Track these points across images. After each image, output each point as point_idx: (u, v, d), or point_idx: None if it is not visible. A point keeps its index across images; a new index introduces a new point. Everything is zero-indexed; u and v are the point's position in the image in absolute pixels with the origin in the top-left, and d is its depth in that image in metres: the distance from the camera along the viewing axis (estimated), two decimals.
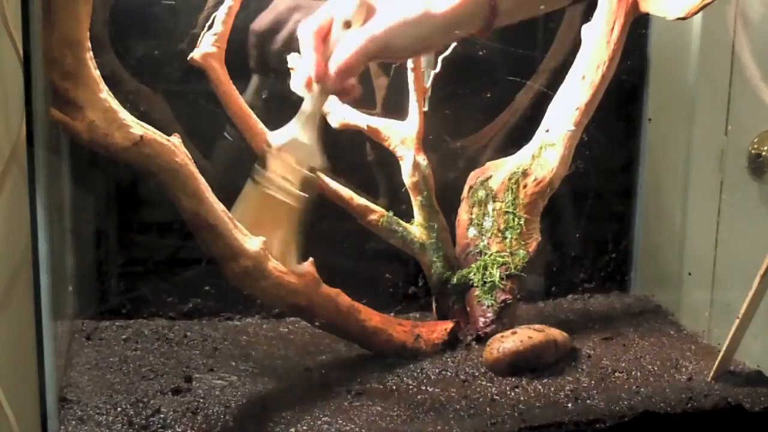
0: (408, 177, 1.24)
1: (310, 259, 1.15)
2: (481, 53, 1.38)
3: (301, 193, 1.03)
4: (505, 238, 1.27)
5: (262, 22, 1.29)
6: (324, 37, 0.92)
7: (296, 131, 0.98)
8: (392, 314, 1.28)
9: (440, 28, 0.89)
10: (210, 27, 1.11)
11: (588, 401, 1.10)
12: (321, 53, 0.93)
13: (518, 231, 1.27)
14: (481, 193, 1.30)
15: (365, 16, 0.90)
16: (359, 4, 0.89)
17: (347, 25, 0.90)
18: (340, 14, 0.90)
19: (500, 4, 0.88)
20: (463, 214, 1.32)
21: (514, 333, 1.21)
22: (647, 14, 1.26)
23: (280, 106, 1.16)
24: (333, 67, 0.91)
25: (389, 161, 1.27)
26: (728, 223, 1.33)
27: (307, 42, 0.93)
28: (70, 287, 1.25)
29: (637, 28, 1.11)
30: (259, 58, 1.30)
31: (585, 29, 1.28)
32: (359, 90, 0.97)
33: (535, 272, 1.46)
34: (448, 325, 1.25)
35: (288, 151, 0.98)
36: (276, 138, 0.99)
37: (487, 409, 1.08)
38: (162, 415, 1.03)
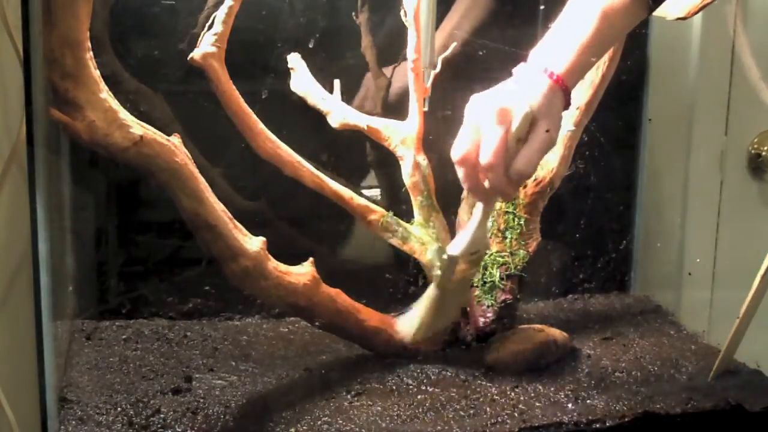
0: (408, 177, 1.23)
1: (311, 258, 1.15)
2: (480, 53, 1.37)
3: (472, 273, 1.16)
4: (505, 238, 1.27)
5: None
6: (508, 128, 0.97)
7: (476, 234, 1.05)
8: (392, 314, 1.27)
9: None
10: (210, 27, 1.11)
11: (588, 401, 1.10)
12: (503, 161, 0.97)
13: (518, 231, 1.27)
14: None
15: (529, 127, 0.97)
16: (525, 118, 0.95)
17: (521, 141, 0.96)
18: (514, 130, 0.96)
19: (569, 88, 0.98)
20: (463, 214, 1.32)
21: (514, 333, 1.21)
22: None
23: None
24: (515, 180, 0.97)
25: (389, 161, 1.27)
26: (728, 223, 1.34)
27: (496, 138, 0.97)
28: (70, 287, 1.24)
29: (637, 28, 1.10)
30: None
31: None
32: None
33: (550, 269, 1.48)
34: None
35: (471, 251, 1.06)
36: (458, 247, 1.06)
37: (487, 409, 1.08)
38: (162, 415, 1.03)
